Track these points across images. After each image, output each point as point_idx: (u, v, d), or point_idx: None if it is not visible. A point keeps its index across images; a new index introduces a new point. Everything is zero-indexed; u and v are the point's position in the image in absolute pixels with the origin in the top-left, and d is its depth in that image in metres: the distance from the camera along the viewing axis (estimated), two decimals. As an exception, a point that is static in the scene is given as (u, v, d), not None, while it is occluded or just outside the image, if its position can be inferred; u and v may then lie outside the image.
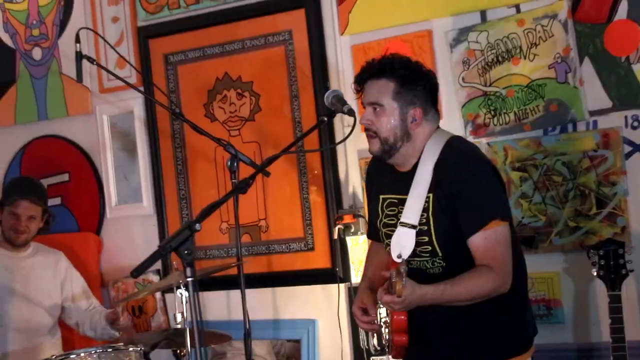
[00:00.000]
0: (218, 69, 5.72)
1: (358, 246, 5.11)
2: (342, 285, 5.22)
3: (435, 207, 3.63)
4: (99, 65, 5.26)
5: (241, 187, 3.45)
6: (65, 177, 6.31)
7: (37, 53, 6.39)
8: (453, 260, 3.64)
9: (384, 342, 4.00)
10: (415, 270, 3.64)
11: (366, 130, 3.75)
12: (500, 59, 4.84)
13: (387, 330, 3.87)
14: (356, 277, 5.10)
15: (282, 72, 5.50)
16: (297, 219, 5.54)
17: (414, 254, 3.65)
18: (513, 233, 3.73)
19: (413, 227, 3.63)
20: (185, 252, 3.11)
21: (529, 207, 4.78)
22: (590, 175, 4.62)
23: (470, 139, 4.86)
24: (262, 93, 5.58)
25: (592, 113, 4.65)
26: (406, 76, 3.72)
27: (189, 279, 3.13)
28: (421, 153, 3.71)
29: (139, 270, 3.25)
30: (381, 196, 3.88)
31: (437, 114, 3.84)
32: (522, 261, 3.83)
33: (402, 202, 3.73)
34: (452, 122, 4.92)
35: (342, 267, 5.20)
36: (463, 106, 4.94)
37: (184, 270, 3.15)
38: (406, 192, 3.71)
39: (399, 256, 3.58)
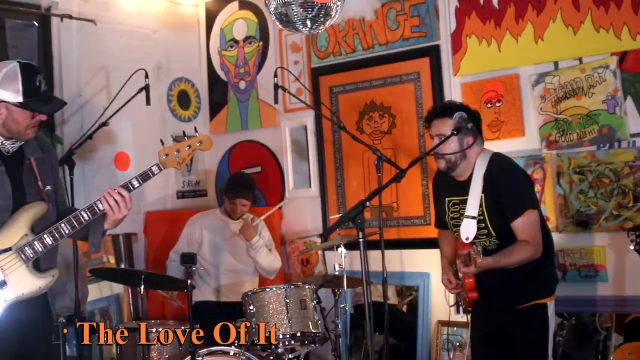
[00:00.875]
0: (366, 97, 5.83)
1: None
2: None
3: (488, 203, 3.90)
4: (289, 92, 5.57)
5: (397, 178, 3.72)
6: (258, 169, 6.51)
7: (242, 84, 6.61)
8: (503, 239, 3.91)
9: (458, 300, 4.26)
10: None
11: (435, 154, 4.01)
12: (567, 95, 4.89)
13: (463, 293, 4.12)
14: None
15: (411, 100, 5.61)
16: (419, 202, 5.62)
17: (475, 237, 3.92)
18: (541, 217, 3.98)
19: (474, 218, 3.91)
20: (359, 221, 3.43)
21: (585, 199, 4.83)
22: (629, 179, 4.68)
23: (545, 151, 4.96)
24: (397, 115, 5.70)
25: (632, 135, 4.71)
26: (460, 115, 3.97)
27: (361, 240, 3.42)
28: (473, 167, 3.98)
29: (328, 232, 3.56)
30: (446, 199, 4.12)
31: (482, 139, 4.07)
32: (549, 235, 4.05)
33: (463, 202, 3.98)
34: (533, 138, 5.05)
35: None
36: (540, 128, 5.00)
37: (357, 233, 3.42)
38: (465, 195, 3.96)
39: (467, 238, 3.92)
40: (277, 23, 4.61)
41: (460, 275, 4.06)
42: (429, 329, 5.60)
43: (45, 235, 3.44)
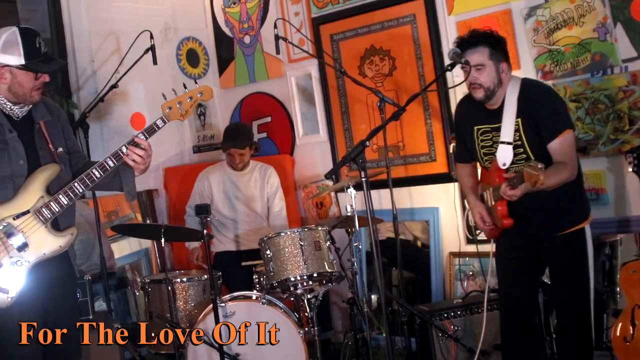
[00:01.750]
0: (366, 42, 5.71)
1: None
2: (455, 184, 5.24)
3: (525, 127, 3.73)
4: (290, 42, 5.46)
5: (396, 116, 3.56)
6: (268, 119, 6.43)
7: (247, 39, 6.49)
8: (542, 162, 3.60)
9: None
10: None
11: (472, 84, 3.80)
12: (559, 26, 4.76)
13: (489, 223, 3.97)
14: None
15: (409, 42, 5.47)
16: (424, 140, 5.54)
17: (513, 162, 3.76)
18: None
19: (509, 143, 3.75)
20: (360, 160, 3.31)
21: (582, 126, 4.72)
22: (624, 103, 4.57)
23: (541, 81, 4.75)
24: (397, 57, 5.57)
25: (624, 61, 4.58)
26: (494, 42, 3.80)
27: (363, 179, 3.28)
28: (505, 93, 3.82)
29: (331, 173, 3.46)
30: (475, 127, 3.93)
31: (510, 65, 3.88)
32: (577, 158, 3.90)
33: (495, 130, 3.81)
34: (528, 70, 4.92)
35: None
36: (535, 59, 4.88)
37: (360, 173, 3.29)
38: (498, 122, 3.79)
39: (504, 164, 3.77)
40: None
41: (491, 203, 3.90)
42: (441, 261, 5.54)
43: (60, 196, 3.40)
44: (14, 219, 3.33)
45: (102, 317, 4.70)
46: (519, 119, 3.75)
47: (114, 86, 5.10)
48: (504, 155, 3.77)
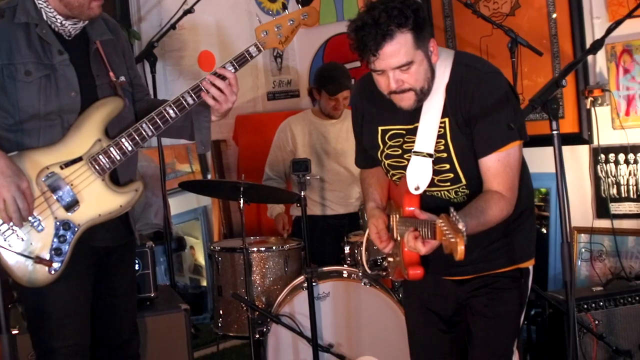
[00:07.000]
0: None
1: (604, 115, 4.44)
2: (588, 147, 4.55)
3: (454, 132, 2.49)
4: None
5: (595, 48, 2.39)
6: (358, 64, 5.59)
7: None
8: (475, 187, 2.53)
9: (384, 264, 3.38)
10: (438, 201, 2.58)
11: (394, 92, 2.47)
12: None
13: (393, 259, 2.78)
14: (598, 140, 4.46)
15: None
16: None
17: (432, 184, 2.54)
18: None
19: (429, 155, 2.50)
20: (554, 106, 2.30)
21: None
22: None
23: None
24: None
25: None
26: (413, 18, 2.39)
27: (554, 132, 2.32)
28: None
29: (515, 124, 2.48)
30: (380, 128, 2.64)
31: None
32: (529, 179, 2.77)
33: (410, 132, 2.55)
34: None
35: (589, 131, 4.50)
36: None
37: (550, 124, 2.31)
38: (413, 122, 2.54)
39: (417, 188, 2.51)
40: None
41: (397, 237, 2.66)
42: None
43: (123, 140, 2.65)
44: (62, 168, 2.59)
45: (166, 293, 3.89)
46: (446, 119, 2.51)
47: (189, 11, 4.40)
48: (419, 173, 2.52)
